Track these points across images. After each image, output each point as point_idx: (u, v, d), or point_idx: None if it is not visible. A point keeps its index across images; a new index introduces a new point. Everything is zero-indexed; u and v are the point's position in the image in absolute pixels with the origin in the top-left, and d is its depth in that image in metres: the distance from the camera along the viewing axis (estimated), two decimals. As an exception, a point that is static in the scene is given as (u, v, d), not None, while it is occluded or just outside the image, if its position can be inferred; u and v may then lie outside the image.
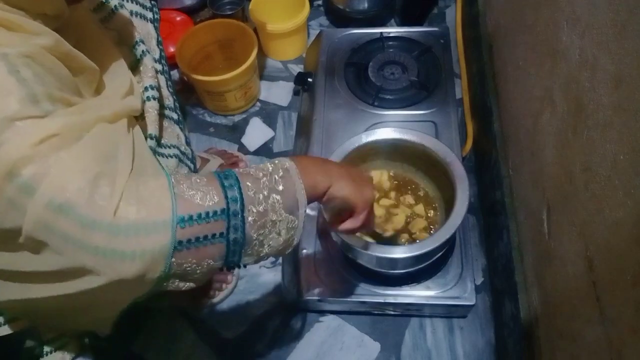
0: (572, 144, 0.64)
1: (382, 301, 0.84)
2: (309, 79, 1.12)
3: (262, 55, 1.32)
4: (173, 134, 0.77)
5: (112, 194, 0.43)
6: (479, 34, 1.12)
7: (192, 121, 1.24)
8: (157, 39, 0.79)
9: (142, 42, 0.75)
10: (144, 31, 0.77)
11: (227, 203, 0.47)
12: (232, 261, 0.50)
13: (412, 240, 0.85)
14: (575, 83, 0.63)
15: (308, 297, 0.86)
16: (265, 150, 1.18)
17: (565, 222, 0.66)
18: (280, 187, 0.51)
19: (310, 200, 0.54)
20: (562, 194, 0.67)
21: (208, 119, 1.24)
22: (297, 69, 1.30)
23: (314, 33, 1.32)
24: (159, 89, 0.74)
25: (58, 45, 0.54)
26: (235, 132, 1.21)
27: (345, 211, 0.61)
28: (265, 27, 1.22)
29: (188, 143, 0.81)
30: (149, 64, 0.74)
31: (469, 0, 1.23)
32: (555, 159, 0.70)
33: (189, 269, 0.48)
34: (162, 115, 0.75)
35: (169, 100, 0.78)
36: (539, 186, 0.75)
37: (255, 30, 1.22)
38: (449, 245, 0.84)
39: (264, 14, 1.23)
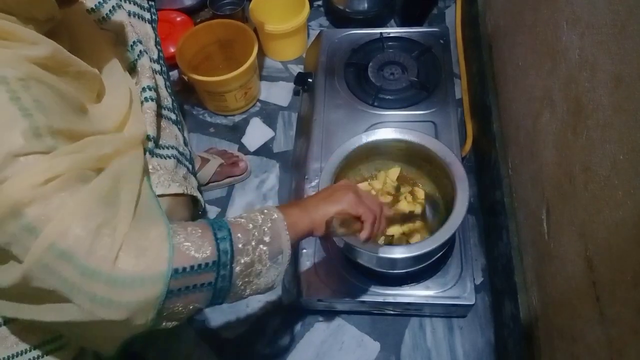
0: (572, 144, 0.64)
1: (382, 301, 0.84)
2: (309, 79, 1.12)
3: (262, 55, 1.32)
4: (171, 134, 0.76)
5: (112, 244, 0.45)
6: (478, 34, 1.12)
7: (193, 121, 1.24)
8: (156, 39, 0.79)
9: (140, 42, 0.74)
10: (142, 32, 0.77)
11: (219, 256, 0.49)
12: (216, 303, 0.53)
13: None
14: (575, 83, 0.63)
15: (308, 297, 0.86)
16: (265, 150, 1.18)
17: (564, 222, 0.66)
18: (267, 239, 0.53)
19: (294, 244, 0.57)
20: (561, 194, 0.67)
21: (208, 119, 1.24)
22: (297, 69, 1.30)
23: (314, 33, 1.32)
24: (156, 89, 0.74)
25: (55, 54, 0.54)
26: (236, 132, 1.21)
27: (353, 223, 0.62)
28: (265, 27, 1.22)
29: (186, 143, 0.81)
30: (146, 64, 0.74)
31: (469, 1, 1.24)
32: (555, 159, 0.70)
33: (175, 311, 0.50)
34: (160, 116, 0.75)
35: (167, 101, 0.78)
36: (539, 186, 0.75)
37: (255, 30, 1.22)
38: (448, 246, 0.84)
39: (264, 14, 1.23)
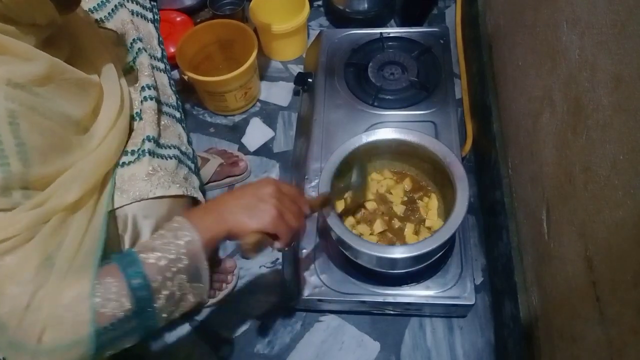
0: (572, 144, 0.64)
1: (382, 301, 0.84)
2: (309, 79, 1.12)
3: (262, 55, 1.32)
4: (174, 133, 0.76)
5: (38, 321, 0.46)
6: (478, 34, 1.12)
7: (193, 121, 1.24)
8: (159, 38, 0.79)
9: (140, 40, 0.74)
10: (145, 31, 0.77)
11: (138, 304, 0.49)
12: (149, 333, 0.53)
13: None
14: (575, 83, 0.63)
15: (308, 297, 0.86)
16: (265, 151, 1.18)
17: (564, 222, 0.66)
18: (183, 265, 0.52)
19: (210, 253, 0.55)
20: (561, 194, 0.67)
21: (208, 119, 1.24)
22: (297, 69, 1.30)
23: (314, 33, 1.32)
24: (156, 87, 0.74)
25: (53, 69, 0.54)
26: (236, 132, 1.21)
27: (267, 239, 0.59)
28: (265, 27, 1.22)
29: (190, 142, 0.81)
30: (145, 62, 0.73)
31: (469, 1, 1.24)
32: (554, 159, 0.70)
33: (111, 351, 0.51)
34: (163, 114, 0.75)
35: (172, 99, 0.78)
36: (539, 186, 0.75)
37: (255, 30, 1.22)
38: (448, 245, 0.84)
39: (264, 15, 1.23)
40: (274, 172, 1.14)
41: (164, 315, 0.53)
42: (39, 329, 0.46)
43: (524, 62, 0.84)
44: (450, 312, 0.91)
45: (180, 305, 0.54)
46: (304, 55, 1.32)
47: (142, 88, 0.72)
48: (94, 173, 0.58)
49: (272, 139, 1.20)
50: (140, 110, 0.71)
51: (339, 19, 1.37)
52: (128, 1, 0.75)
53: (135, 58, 0.73)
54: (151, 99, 0.71)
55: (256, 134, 1.21)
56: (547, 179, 0.72)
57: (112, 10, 0.73)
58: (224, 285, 0.97)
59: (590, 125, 0.59)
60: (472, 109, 1.13)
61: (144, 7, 0.78)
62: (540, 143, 0.75)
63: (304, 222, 0.63)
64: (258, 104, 1.26)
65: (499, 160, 0.94)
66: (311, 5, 1.28)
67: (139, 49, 0.73)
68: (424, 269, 0.81)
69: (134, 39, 0.73)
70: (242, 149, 1.18)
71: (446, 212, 0.84)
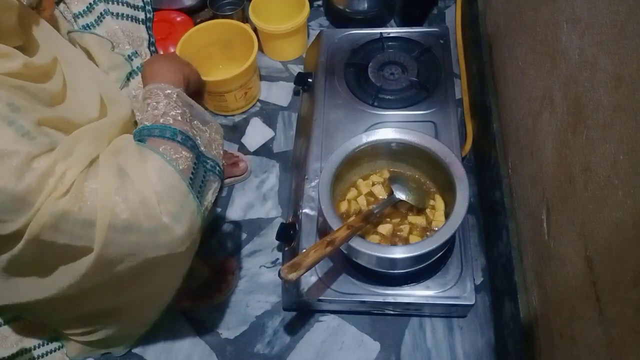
0: (572, 144, 0.64)
1: (382, 301, 0.84)
2: (309, 79, 1.12)
3: (262, 55, 1.33)
4: None
5: (154, 204, 0.54)
6: (478, 34, 1.12)
7: (192, 121, 1.24)
8: (149, 40, 0.78)
9: (136, 54, 0.74)
10: (135, 35, 0.76)
11: (192, 151, 0.60)
12: (220, 175, 0.65)
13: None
14: (575, 83, 0.63)
15: (308, 297, 0.86)
16: (265, 151, 1.18)
17: (564, 222, 0.66)
18: (187, 110, 0.63)
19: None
20: (561, 194, 0.67)
21: (208, 119, 1.24)
22: (297, 69, 1.30)
23: (314, 33, 1.32)
24: None
25: (27, 64, 0.54)
26: (236, 132, 1.21)
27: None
28: (265, 27, 1.22)
29: None
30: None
31: (468, 1, 1.24)
32: (554, 159, 0.70)
33: (207, 206, 0.62)
34: None
35: None
36: (539, 186, 0.75)
37: (255, 30, 1.22)
38: (448, 245, 0.84)
39: (264, 15, 1.23)
40: (274, 172, 1.14)
41: (211, 154, 0.64)
42: (160, 210, 0.54)
43: (524, 62, 0.84)
44: (450, 312, 0.91)
45: (214, 143, 0.66)
46: (304, 55, 1.32)
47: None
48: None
49: (272, 139, 1.20)
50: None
51: (339, 19, 1.37)
52: (116, 4, 0.74)
53: (132, 72, 0.73)
54: None
55: (256, 134, 1.21)
56: (547, 179, 0.72)
57: (100, 15, 0.72)
58: (223, 285, 0.97)
59: (590, 125, 0.59)
60: (472, 109, 1.14)
61: (135, 7, 0.76)
62: (540, 143, 0.75)
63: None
64: (258, 104, 1.26)
65: (499, 160, 0.94)
66: (311, 5, 1.28)
67: (137, 67, 0.74)
68: (424, 269, 0.81)
69: (134, 52, 0.73)
70: (242, 149, 1.18)
71: (446, 212, 0.84)
